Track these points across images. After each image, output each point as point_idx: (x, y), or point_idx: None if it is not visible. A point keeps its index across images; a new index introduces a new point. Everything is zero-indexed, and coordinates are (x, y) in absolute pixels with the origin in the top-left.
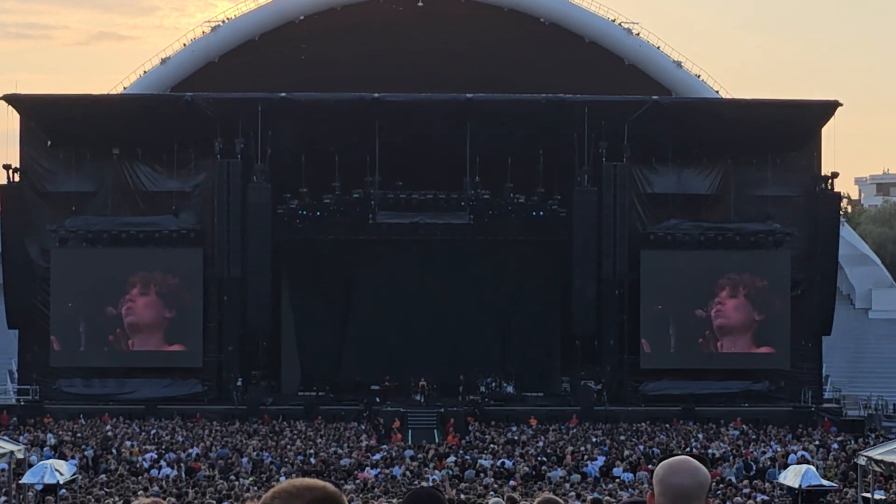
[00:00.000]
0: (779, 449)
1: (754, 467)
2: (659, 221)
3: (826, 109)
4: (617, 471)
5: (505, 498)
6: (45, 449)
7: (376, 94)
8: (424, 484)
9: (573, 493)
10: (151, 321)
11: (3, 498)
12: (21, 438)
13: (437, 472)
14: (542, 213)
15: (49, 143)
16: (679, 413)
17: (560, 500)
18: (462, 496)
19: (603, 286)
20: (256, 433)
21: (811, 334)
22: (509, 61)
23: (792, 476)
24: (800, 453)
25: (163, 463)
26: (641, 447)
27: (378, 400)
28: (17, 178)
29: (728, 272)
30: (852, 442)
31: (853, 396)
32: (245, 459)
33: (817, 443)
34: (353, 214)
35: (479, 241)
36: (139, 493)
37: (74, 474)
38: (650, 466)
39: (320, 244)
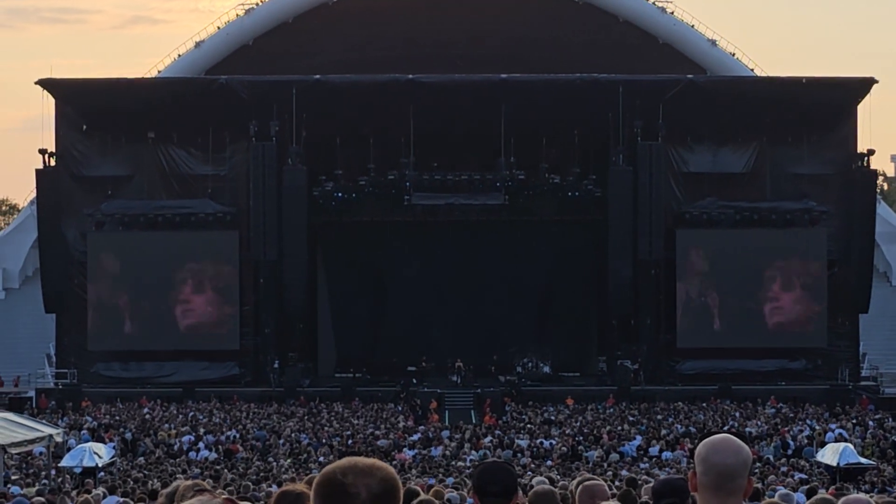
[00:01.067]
0: (816, 427)
1: (792, 446)
2: (694, 200)
3: (862, 86)
4: (653, 450)
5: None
6: (83, 432)
7: (411, 76)
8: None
9: (610, 473)
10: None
11: (44, 481)
12: (59, 422)
13: (474, 451)
14: (577, 193)
15: (84, 127)
16: (716, 392)
17: (600, 480)
18: None
19: (639, 266)
20: (293, 415)
21: (848, 312)
22: (543, 41)
23: (830, 454)
24: (837, 431)
25: (201, 445)
26: (679, 426)
27: (415, 381)
28: (53, 163)
29: (772, 258)
30: (890, 419)
31: (891, 374)
32: (282, 441)
33: (854, 421)
34: (388, 196)
35: (515, 222)
36: (177, 475)
37: (113, 457)
38: (689, 445)
39: (355, 226)
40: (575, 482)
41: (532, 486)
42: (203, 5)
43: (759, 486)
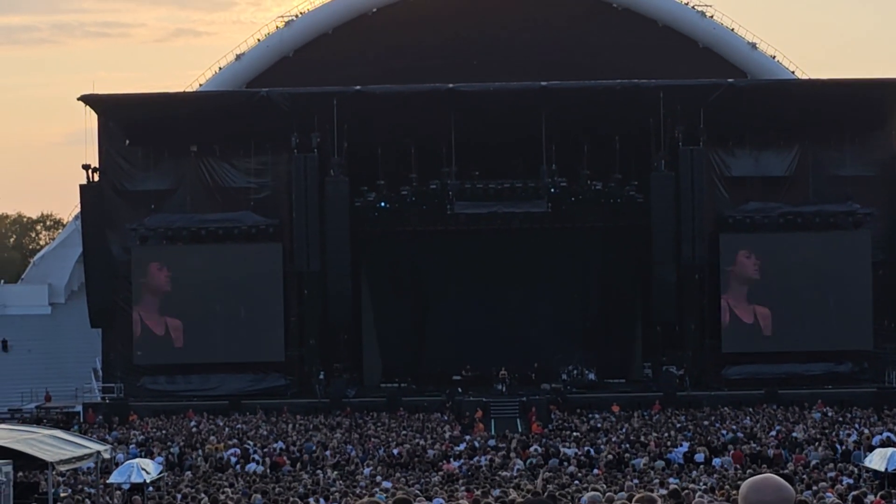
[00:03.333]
0: (864, 431)
1: (839, 450)
2: (737, 205)
3: None
4: (699, 456)
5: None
6: (130, 446)
7: (451, 85)
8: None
9: (657, 480)
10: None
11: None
12: (107, 436)
13: (519, 461)
14: (619, 199)
15: (127, 141)
16: (762, 396)
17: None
18: (548, 486)
19: (682, 271)
20: (339, 426)
21: (893, 314)
22: (583, 47)
23: (878, 459)
24: (885, 435)
25: (251, 456)
26: (725, 432)
27: (460, 390)
28: (96, 178)
29: (816, 260)
30: None
31: None
32: (329, 453)
33: None
34: (430, 205)
35: (557, 229)
36: (225, 489)
37: (161, 472)
38: (735, 451)
39: (398, 236)
40: (627, 496)
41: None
42: (245, 17)
43: (808, 493)
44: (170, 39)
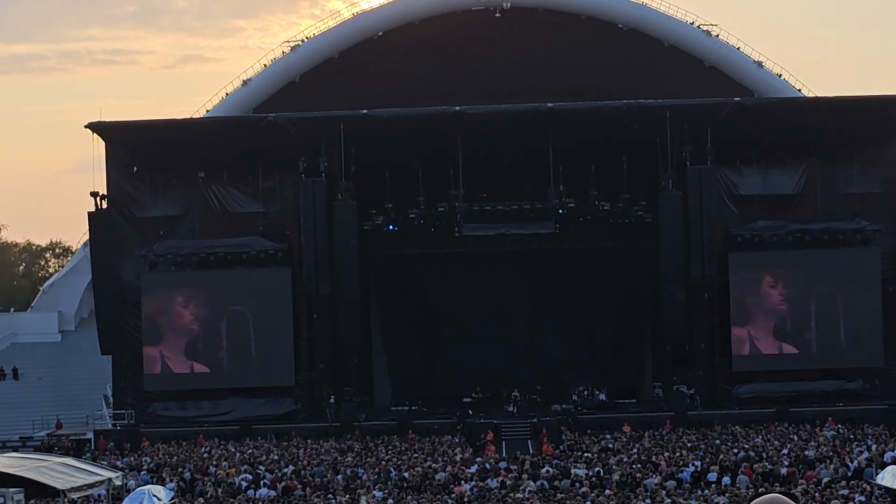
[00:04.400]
0: (876, 448)
1: (851, 468)
2: (746, 223)
3: None
4: (712, 475)
5: None
6: (142, 473)
7: (457, 107)
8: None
9: (669, 501)
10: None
11: None
12: (118, 462)
13: (531, 482)
14: (627, 219)
15: (135, 168)
16: (773, 415)
17: None
18: None
19: (692, 290)
20: (350, 449)
21: None
22: (589, 68)
23: (890, 477)
24: None
25: (262, 482)
26: (736, 451)
27: (470, 412)
28: (104, 205)
29: (826, 278)
30: None
31: None
32: (340, 476)
33: None
34: (438, 228)
35: (566, 250)
36: None
37: (172, 498)
38: (747, 469)
39: (407, 258)
40: None
41: None
42: (252, 43)
43: None
44: (178, 66)
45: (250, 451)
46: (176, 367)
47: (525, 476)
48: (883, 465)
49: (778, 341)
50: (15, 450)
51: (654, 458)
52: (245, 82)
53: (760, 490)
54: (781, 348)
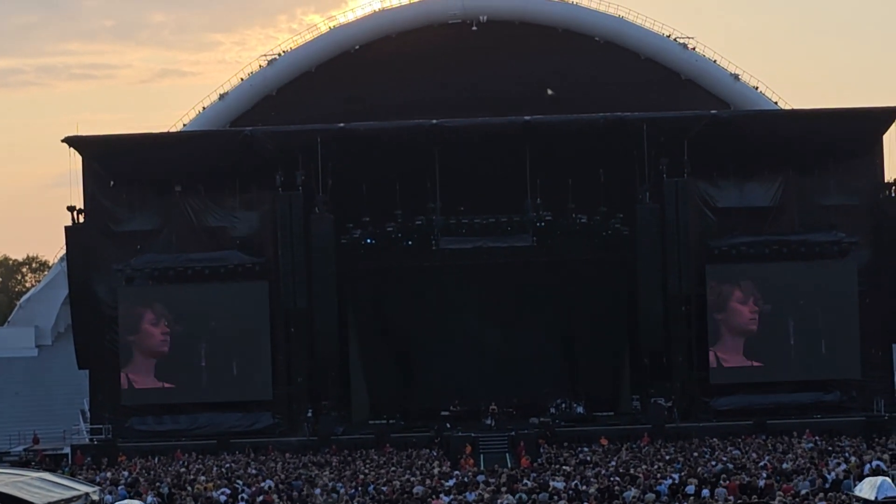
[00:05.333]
0: (853, 460)
1: (829, 479)
2: (723, 235)
3: (887, 116)
4: (690, 488)
5: None
6: (119, 488)
7: (434, 121)
8: None
9: None
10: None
11: None
12: (96, 478)
13: (509, 496)
14: (605, 232)
15: (112, 182)
16: (751, 427)
17: None
18: None
19: (669, 302)
20: (328, 463)
21: (881, 342)
22: (566, 81)
23: (868, 488)
24: (874, 463)
25: (241, 496)
26: (714, 463)
27: (448, 426)
28: (81, 220)
29: (803, 290)
30: None
31: None
32: (318, 490)
33: (892, 453)
34: (416, 241)
35: (544, 263)
36: None
37: None
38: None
39: (384, 272)
40: None
41: None
42: (230, 57)
43: None
44: (155, 80)
45: (228, 465)
46: (152, 381)
47: (503, 489)
48: (861, 477)
49: (748, 360)
50: None
51: (632, 471)
52: (222, 96)
53: (738, 502)
54: (752, 364)
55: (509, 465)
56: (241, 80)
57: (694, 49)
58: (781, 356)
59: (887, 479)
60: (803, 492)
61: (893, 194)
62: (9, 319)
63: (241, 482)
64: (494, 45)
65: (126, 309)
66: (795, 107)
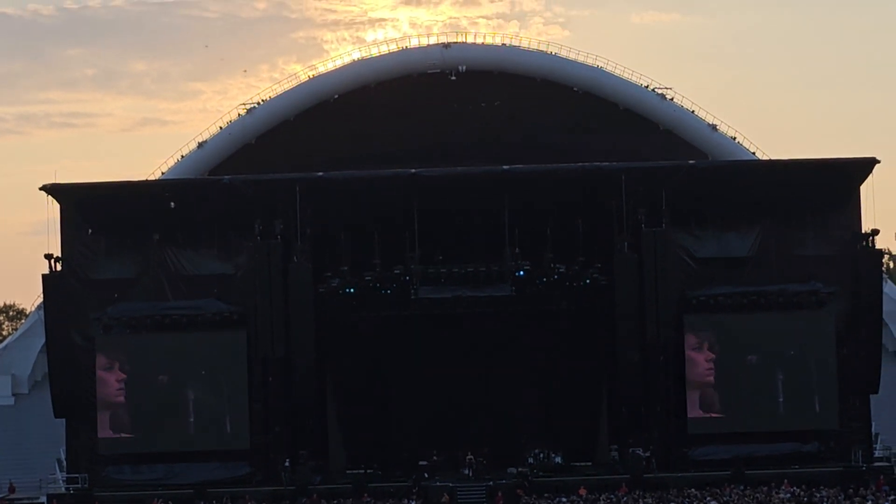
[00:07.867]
0: None
1: None
2: (701, 285)
3: (864, 167)
4: None
5: None
6: None
7: (413, 170)
8: None
9: None
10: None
11: None
12: None
13: None
14: (583, 281)
15: (90, 230)
16: (729, 477)
17: None
18: None
19: (647, 352)
20: None
21: (858, 393)
22: (544, 131)
23: None
24: None
25: None
26: None
27: (426, 475)
28: (59, 268)
29: (780, 341)
30: None
31: None
32: None
33: (870, 503)
34: (394, 290)
35: (522, 312)
36: None
37: None
38: None
39: (363, 321)
40: None
41: None
42: (211, 106)
43: None
44: (136, 129)
45: None
46: (128, 430)
47: None
48: None
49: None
50: None
51: None
52: (201, 144)
53: None
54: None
55: None
56: (220, 128)
57: (672, 99)
58: (759, 406)
59: None
60: None
61: (871, 244)
62: None
63: None
64: (473, 94)
65: (103, 358)
66: (773, 156)
